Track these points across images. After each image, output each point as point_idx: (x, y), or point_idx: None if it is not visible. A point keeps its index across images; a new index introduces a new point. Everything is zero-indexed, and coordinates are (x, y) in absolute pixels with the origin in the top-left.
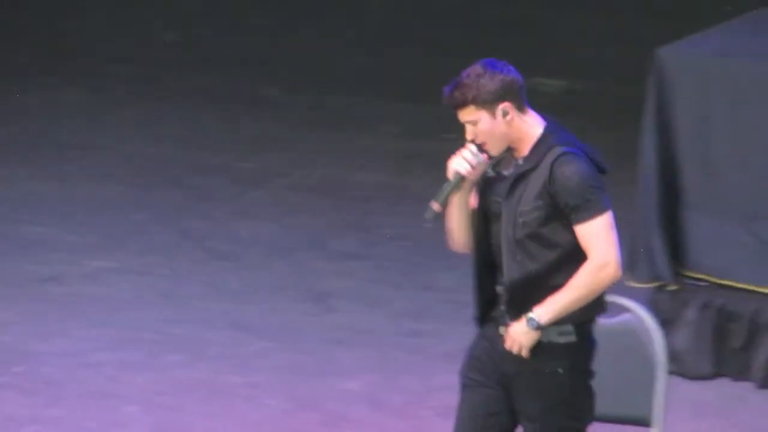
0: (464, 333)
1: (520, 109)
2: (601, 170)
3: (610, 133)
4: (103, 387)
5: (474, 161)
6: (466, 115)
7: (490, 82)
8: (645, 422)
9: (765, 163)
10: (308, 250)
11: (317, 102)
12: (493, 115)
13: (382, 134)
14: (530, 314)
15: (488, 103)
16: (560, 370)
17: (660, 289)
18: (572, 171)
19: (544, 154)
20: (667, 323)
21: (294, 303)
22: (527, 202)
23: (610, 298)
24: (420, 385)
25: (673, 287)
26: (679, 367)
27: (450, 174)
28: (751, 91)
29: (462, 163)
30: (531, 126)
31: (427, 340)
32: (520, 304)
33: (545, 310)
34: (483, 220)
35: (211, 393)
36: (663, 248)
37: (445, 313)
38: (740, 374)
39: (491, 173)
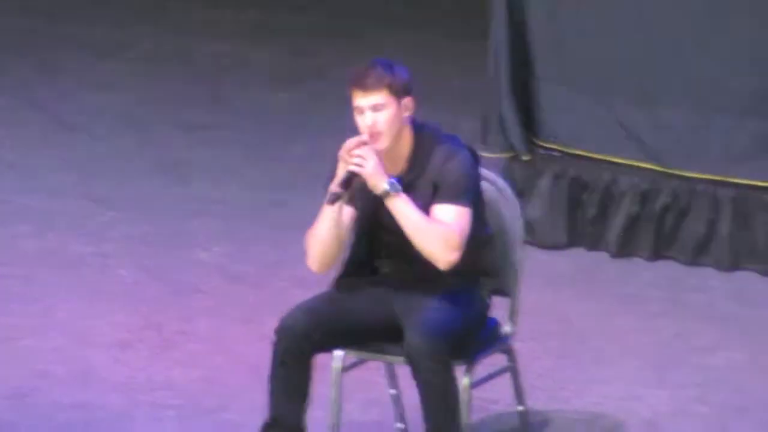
0: (317, 204)
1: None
2: (476, 159)
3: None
4: None
5: (367, 160)
6: (376, 98)
7: (404, 74)
8: (501, 292)
9: (617, 39)
10: (160, 120)
11: None
12: (399, 106)
13: (235, 5)
14: (394, 182)
15: (399, 92)
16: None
17: (513, 159)
18: (456, 164)
19: (428, 158)
20: (521, 193)
21: (145, 173)
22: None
23: None
24: (274, 256)
25: (526, 157)
26: (533, 236)
27: (341, 169)
28: None
29: (356, 160)
30: (407, 127)
31: (280, 210)
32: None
33: (403, 200)
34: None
35: (62, 263)
36: (515, 118)
37: (297, 183)
38: (594, 244)
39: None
